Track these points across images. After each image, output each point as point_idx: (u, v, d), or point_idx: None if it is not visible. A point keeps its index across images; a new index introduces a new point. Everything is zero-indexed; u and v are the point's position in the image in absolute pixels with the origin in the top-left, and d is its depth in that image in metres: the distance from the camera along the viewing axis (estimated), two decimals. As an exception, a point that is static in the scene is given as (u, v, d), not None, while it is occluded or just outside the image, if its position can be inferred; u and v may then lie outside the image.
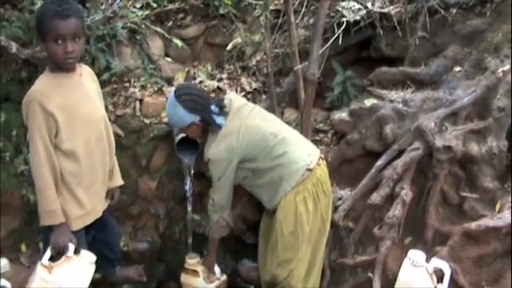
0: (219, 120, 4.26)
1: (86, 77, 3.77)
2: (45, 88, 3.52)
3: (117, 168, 4.18)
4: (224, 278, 4.84)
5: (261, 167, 4.25)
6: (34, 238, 4.75)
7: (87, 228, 3.91)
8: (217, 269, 4.79)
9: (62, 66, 3.59)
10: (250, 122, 4.25)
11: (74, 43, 3.52)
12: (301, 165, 4.21)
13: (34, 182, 3.62)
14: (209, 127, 4.29)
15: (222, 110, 4.30)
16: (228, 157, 4.18)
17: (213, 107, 4.30)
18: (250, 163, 4.25)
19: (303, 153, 4.27)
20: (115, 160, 4.14)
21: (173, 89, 4.78)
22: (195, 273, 4.73)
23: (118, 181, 4.22)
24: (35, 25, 3.58)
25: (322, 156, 4.42)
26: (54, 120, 3.50)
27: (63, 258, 3.68)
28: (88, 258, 3.81)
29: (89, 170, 3.78)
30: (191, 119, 4.24)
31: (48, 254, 3.69)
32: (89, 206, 3.84)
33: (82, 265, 3.78)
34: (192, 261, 4.78)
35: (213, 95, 5.11)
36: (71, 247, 3.70)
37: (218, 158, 4.20)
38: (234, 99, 4.44)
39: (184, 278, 4.82)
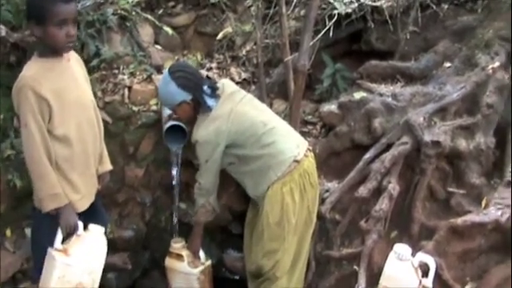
0: (210, 102, 4.23)
1: (73, 62, 3.75)
2: (36, 73, 3.47)
3: (105, 153, 4.15)
4: (209, 262, 4.80)
5: (248, 155, 4.24)
6: (19, 223, 4.72)
7: (78, 215, 3.88)
8: (201, 254, 4.75)
9: (61, 51, 3.58)
10: (240, 108, 4.23)
11: (74, 27, 3.52)
12: (288, 156, 4.20)
13: (31, 169, 3.57)
14: (199, 108, 4.27)
15: (215, 93, 4.27)
16: (216, 140, 4.16)
17: (205, 88, 4.27)
18: (237, 149, 4.23)
19: (291, 144, 4.27)
20: (104, 145, 4.11)
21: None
22: (180, 257, 4.71)
23: (108, 165, 4.18)
24: (30, 8, 3.50)
25: (310, 148, 4.41)
26: (47, 105, 3.47)
27: (74, 237, 3.71)
28: (98, 230, 3.84)
29: (81, 155, 3.76)
30: (183, 97, 4.21)
31: (59, 237, 3.68)
32: (84, 191, 3.83)
33: (95, 238, 3.83)
34: (177, 245, 4.76)
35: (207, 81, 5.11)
36: (81, 225, 3.73)
37: (206, 140, 4.17)
38: (226, 84, 4.43)
39: (168, 261, 4.79)
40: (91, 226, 3.81)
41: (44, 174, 3.57)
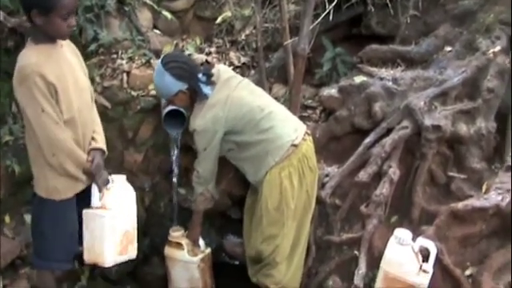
0: (206, 89, 4.22)
1: (66, 48, 3.73)
2: (38, 60, 3.46)
3: (99, 133, 4.06)
4: (208, 251, 4.82)
5: (246, 140, 4.24)
6: (18, 209, 4.70)
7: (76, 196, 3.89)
8: (201, 242, 4.77)
9: (61, 39, 3.61)
10: (237, 94, 4.22)
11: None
12: (286, 140, 4.20)
13: (57, 151, 3.58)
14: (196, 96, 4.26)
15: (210, 80, 4.27)
16: (213, 127, 4.17)
17: (200, 76, 4.26)
18: (235, 136, 4.24)
19: (289, 128, 4.27)
20: (101, 127, 4.07)
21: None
22: (179, 245, 4.71)
23: (97, 144, 3.98)
24: None
25: (309, 132, 4.41)
26: (54, 90, 3.47)
27: (104, 191, 3.87)
28: (121, 179, 4.04)
29: (83, 138, 3.77)
30: (178, 87, 4.20)
31: (97, 195, 3.85)
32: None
33: (123, 187, 4.04)
34: (176, 233, 4.77)
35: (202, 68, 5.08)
36: (110, 178, 3.93)
37: (204, 129, 4.18)
38: (222, 70, 4.42)
39: (168, 250, 4.81)
40: (114, 177, 3.97)
41: (73, 150, 3.65)
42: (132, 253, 4.10)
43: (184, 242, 4.71)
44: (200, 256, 4.75)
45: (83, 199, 3.85)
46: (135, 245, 4.10)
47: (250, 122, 4.19)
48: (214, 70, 4.36)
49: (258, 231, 4.35)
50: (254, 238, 4.44)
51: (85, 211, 3.85)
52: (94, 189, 3.83)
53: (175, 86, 4.20)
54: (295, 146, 4.20)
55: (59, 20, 3.43)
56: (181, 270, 4.81)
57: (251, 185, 4.52)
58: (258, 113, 4.19)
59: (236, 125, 4.19)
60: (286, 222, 4.25)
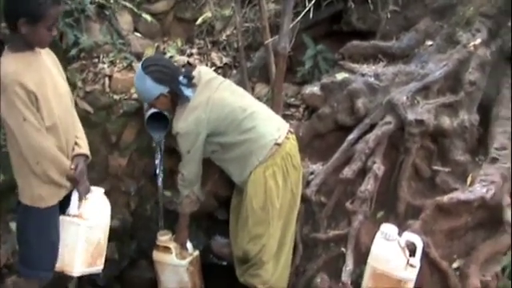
0: (188, 92, 4.22)
1: (44, 54, 3.72)
2: (17, 68, 3.45)
3: (82, 139, 4.05)
4: (196, 253, 4.82)
5: (229, 141, 4.24)
6: (3, 217, 4.67)
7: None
8: (189, 245, 4.76)
9: (42, 48, 3.62)
10: (218, 95, 4.22)
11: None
12: (269, 139, 4.20)
13: (40, 158, 3.56)
14: (177, 99, 4.26)
15: (191, 82, 4.26)
16: (196, 130, 4.16)
17: (181, 78, 4.25)
18: (218, 137, 4.24)
19: (272, 127, 4.27)
20: (83, 132, 4.06)
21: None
22: (167, 249, 4.70)
23: (80, 149, 3.99)
24: (23, 7, 3.42)
25: (292, 130, 4.42)
26: (35, 97, 3.46)
27: (83, 201, 3.88)
28: (99, 191, 4.05)
29: (66, 145, 3.77)
30: (159, 91, 4.20)
31: (76, 203, 3.85)
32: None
33: (99, 199, 4.04)
34: (163, 237, 4.75)
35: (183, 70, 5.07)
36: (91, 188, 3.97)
37: (186, 131, 4.17)
38: (203, 72, 4.41)
39: (156, 255, 4.80)
40: (93, 188, 3.98)
41: (57, 156, 3.64)
42: (100, 266, 4.10)
43: (172, 245, 4.70)
44: (188, 259, 4.74)
45: (61, 207, 3.84)
46: (103, 259, 4.09)
47: (232, 123, 4.19)
48: (194, 72, 4.35)
49: (245, 231, 4.35)
50: (240, 238, 4.43)
51: (61, 217, 3.84)
52: (74, 196, 3.83)
53: (156, 89, 4.19)
54: (278, 144, 4.20)
55: (45, 30, 3.46)
56: (170, 274, 4.80)
57: (236, 185, 4.52)
58: (240, 113, 4.19)
59: (219, 126, 4.19)
60: (271, 221, 4.25)
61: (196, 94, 4.22)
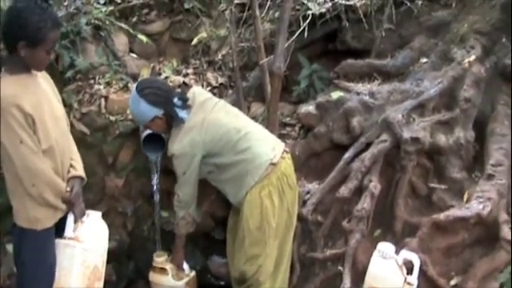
0: (182, 114, 4.22)
1: (40, 77, 3.73)
2: (14, 91, 3.44)
3: (77, 161, 4.06)
4: (193, 274, 4.81)
5: (225, 162, 4.24)
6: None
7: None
8: (185, 265, 4.75)
9: (39, 71, 3.63)
10: (213, 117, 4.23)
11: None
12: (264, 159, 4.20)
13: (37, 181, 3.54)
14: (172, 121, 4.26)
15: (186, 104, 4.26)
16: (192, 151, 4.17)
17: (176, 100, 4.25)
18: (214, 158, 4.24)
19: (267, 147, 4.27)
20: (78, 154, 4.05)
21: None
22: (163, 271, 4.68)
23: (76, 172, 3.97)
24: (23, 31, 3.41)
25: (287, 149, 4.42)
26: (32, 120, 3.45)
27: (79, 224, 3.82)
28: (96, 215, 3.98)
29: (62, 167, 3.75)
30: (154, 113, 4.21)
31: (72, 226, 3.80)
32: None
33: (97, 222, 3.98)
34: (160, 259, 4.73)
35: (179, 90, 5.07)
36: (86, 212, 3.90)
37: (182, 153, 4.18)
38: (197, 93, 4.42)
39: (152, 276, 4.77)
40: (90, 212, 3.93)
41: (52, 179, 3.62)
42: None
43: (168, 266, 4.68)
44: (185, 280, 4.73)
45: (57, 230, 3.84)
46: (101, 283, 4.03)
47: (227, 144, 4.19)
48: (189, 94, 4.36)
49: (241, 252, 4.33)
50: (237, 258, 4.41)
51: (57, 241, 3.80)
52: (70, 218, 3.80)
53: (151, 112, 4.20)
54: (274, 164, 4.20)
55: (44, 53, 3.48)
56: (167, 296, 4.79)
57: (233, 205, 4.51)
58: (235, 134, 4.20)
59: (214, 147, 4.20)
60: (267, 241, 4.24)
61: (191, 116, 4.22)
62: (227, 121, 4.25)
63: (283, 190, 4.23)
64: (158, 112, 4.20)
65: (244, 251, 4.29)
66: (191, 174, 4.25)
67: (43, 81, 3.74)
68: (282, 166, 4.24)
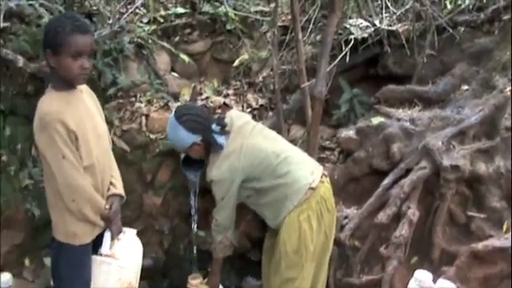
0: (220, 140, 4.22)
1: (85, 94, 3.75)
2: (59, 107, 3.46)
3: (117, 179, 4.10)
4: (227, 296, 4.80)
5: (264, 186, 4.22)
6: (37, 252, 4.74)
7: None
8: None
9: (74, 82, 3.58)
10: (251, 141, 4.21)
11: (89, 59, 3.54)
12: (303, 183, 4.17)
13: (77, 197, 3.57)
14: (211, 147, 4.27)
15: (224, 129, 4.26)
16: (230, 177, 4.16)
17: (214, 126, 4.25)
18: (252, 183, 4.22)
19: (306, 171, 4.24)
20: (118, 172, 4.08)
21: (178, 104, 4.78)
22: (198, 293, 4.69)
23: (116, 189, 4.00)
24: (46, 38, 3.47)
25: (326, 173, 4.39)
26: (75, 137, 3.48)
27: (115, 241, 3.84)
28: (132, 232, 4.00)
29: (102, 184, 3.77)
30: (193, 140, 4.21)
31: (108, 242, 3.81)
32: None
33: (132, 240, 3.98)
34: (195, 281, 4.71)
35: (219, 111, 5.10)
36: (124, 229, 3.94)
37: (221, 179, 4.17)
38: (235, 117, 4.40)
39: (187, 298, 4.78)
40: (126, 229, 3.94)
41: (93, 195, 3.64)
42: None
43: (203, 289, 4.69)
44: (219, 303, 4.72)
45: (94, 246, 3.87)
46: None
47: (266, 169, 4.17)
48: (227, 119, 4.35)
49: (277, 275, 4.30)
50: (272, 281, 4.38)
51: (93, 257, 3.82)
52: (107, 235, 3.81)
53: (189, 138, 4.21)
54: (313, 188, 4.17)
55: (69, 59, 3.42)
56: (200, 318, 4.78)
57: (269, 227, 4.49)
58: (275, 158, 4.17)
59: (253, 172, 4.18)
60: (304, 264, 4.20)
61: (229, 142, 4.22)
62: (266, 145, 4.23)
63: (321, 214, 4.20)
64: (197, 139, 4.21)
65: (280, 274, 4.27)
66: (230, 198, 4.24)
67: (87, 97, 3.77)
68: (321, 190, 4.21)
